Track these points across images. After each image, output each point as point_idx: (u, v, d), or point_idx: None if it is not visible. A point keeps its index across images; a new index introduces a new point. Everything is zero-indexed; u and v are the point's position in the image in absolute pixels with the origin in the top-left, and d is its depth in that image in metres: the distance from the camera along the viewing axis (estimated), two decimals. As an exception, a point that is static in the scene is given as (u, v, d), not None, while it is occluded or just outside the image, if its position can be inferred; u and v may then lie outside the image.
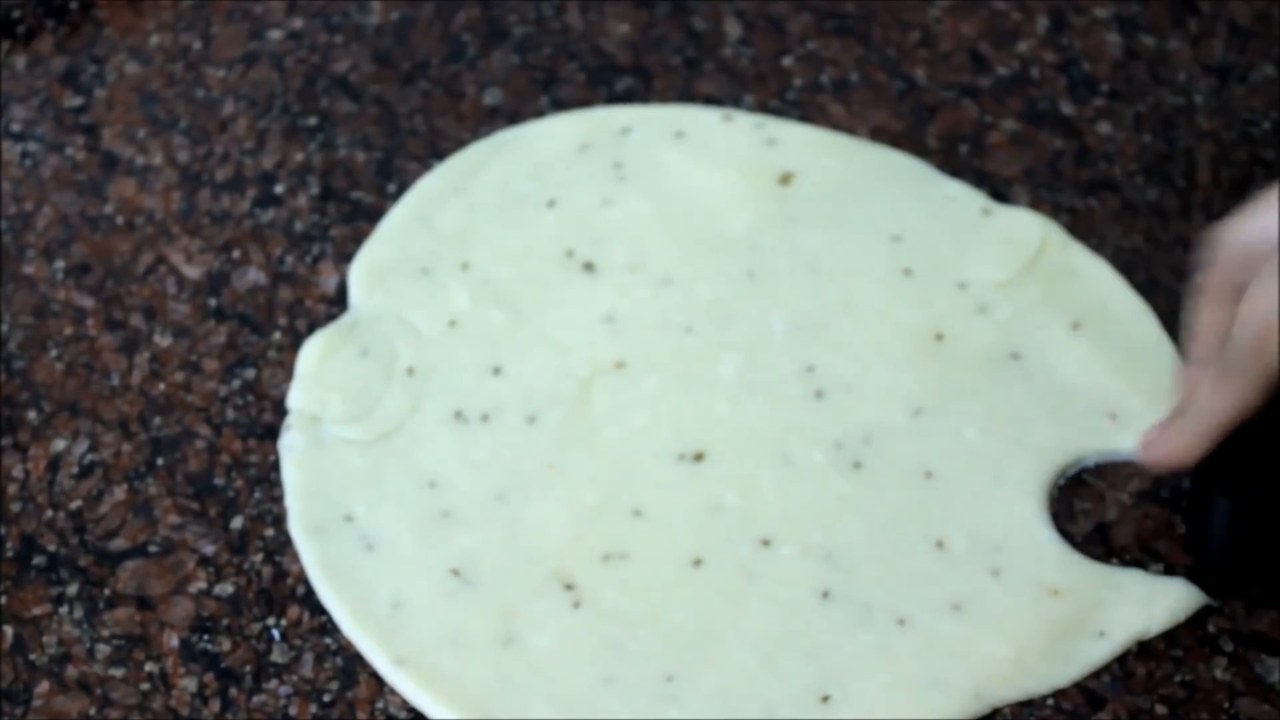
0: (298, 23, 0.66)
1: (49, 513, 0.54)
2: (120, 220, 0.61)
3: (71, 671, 0.51)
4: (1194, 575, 0.52)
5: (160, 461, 0.55)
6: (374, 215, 0.61)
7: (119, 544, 0.54)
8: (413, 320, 0.58)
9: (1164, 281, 0.58)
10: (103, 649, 0.52)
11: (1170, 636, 0.51)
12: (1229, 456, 0.50)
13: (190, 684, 0.51)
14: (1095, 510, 0.54)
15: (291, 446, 0.55)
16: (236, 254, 0.60)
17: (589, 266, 0.59)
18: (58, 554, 0.53)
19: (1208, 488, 0.51)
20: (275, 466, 0.55)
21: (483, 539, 0.53)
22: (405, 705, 0.50)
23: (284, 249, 0.60)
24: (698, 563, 0.52)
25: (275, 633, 0.52)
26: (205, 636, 0.52)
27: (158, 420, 0.56)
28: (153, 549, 0.53)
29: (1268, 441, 0.51)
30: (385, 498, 0.54)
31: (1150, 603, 0.51)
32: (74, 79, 0.65)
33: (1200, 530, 0.52)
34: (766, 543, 0.53)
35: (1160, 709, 0.50)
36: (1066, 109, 0.63)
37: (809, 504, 0.54)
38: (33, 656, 0.51)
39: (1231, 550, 0.52)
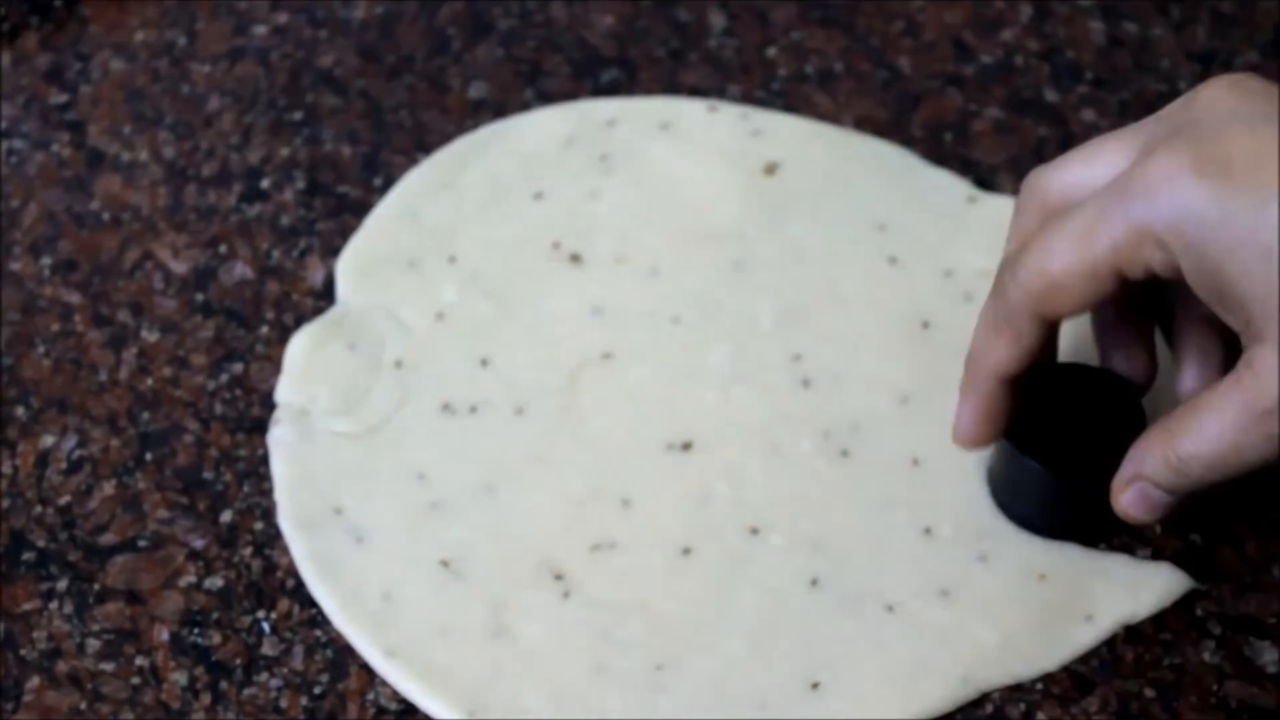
0: (282, 18, 0.66)
1: (38, 508, 0.54)
2: (107, 216, 0.61)
3: (62, 666, 0.51)
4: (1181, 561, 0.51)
5: (149, 456, 0.55)
6: (360, 209, 0.61)
7: (108, 539, 0.54)
8: (400, 313, 0.58)
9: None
10: (93, 644, 0.51)
11: (1158, 620, 0.51)
12: (1038, 422, 0.50)
13: (181, 677, 0.51)
14: (1082, 496, 0.54)
15: (280, 440, 0.55)
16: (223, 249, 0.60)
17: (576, 258, 0.59)
18: (47, 549, 0.53)
19: (1020, 449, 0.50)
20: (264, 460, 0.55)
21: (472, 530, 0.53)
22: (396, 696, 0.50)
23: (271, 243, 0.60)
24: (687, 552, 0.52)
25: (265, 626, 0.52)
26: (195, 630, 0.52)
27: (146, 415, 0.56)
28: (142, 543, 0.53)
29: (1076, 407, 0.50)
30: (374, 490, 0.54)
31: (1138, 587, 0.51)
32: (59, 76, 0.65)
33: (1013, 490, 0.52)
34: (755, 531, 0.53)
35: (1149, 692, 0.50)
36: (1050, 97, 0.63)
37: (797, 492, 0.54)
38: (23, 652, 0.51)
39: (1045, 514, 0.52)
